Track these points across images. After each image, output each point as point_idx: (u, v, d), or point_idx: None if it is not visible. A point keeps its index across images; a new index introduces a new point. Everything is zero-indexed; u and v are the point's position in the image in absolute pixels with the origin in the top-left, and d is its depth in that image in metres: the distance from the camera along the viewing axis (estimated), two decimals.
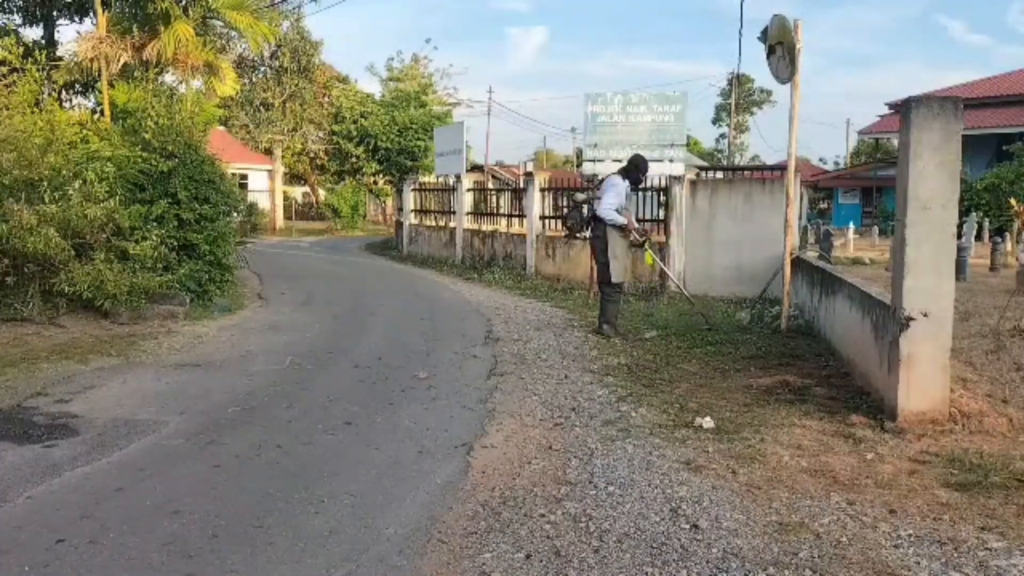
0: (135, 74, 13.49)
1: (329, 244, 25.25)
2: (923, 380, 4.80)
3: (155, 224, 9.19)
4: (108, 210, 8.64)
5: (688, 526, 3.53)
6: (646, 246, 9.21)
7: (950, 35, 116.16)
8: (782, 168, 11.33)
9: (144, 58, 13.54)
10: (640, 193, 12.50)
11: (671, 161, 11.72)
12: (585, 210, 8.74)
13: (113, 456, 4.46)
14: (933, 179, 4.81)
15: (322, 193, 39.06)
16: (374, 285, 13.43)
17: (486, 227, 16.95)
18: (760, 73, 65.46)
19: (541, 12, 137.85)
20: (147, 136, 9.70)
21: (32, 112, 9.21)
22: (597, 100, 11.95)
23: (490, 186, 22.22)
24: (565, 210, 14.42)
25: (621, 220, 8.44)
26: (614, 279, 8.45)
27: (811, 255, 11.08)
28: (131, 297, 8.51)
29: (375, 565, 3.20)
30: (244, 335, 8.35)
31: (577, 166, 40.62)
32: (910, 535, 3.43)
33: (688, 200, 11.81)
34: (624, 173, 8.73)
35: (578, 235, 9.25)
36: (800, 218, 20.68)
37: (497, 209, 17.75)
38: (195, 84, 15.01)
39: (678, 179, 11.80)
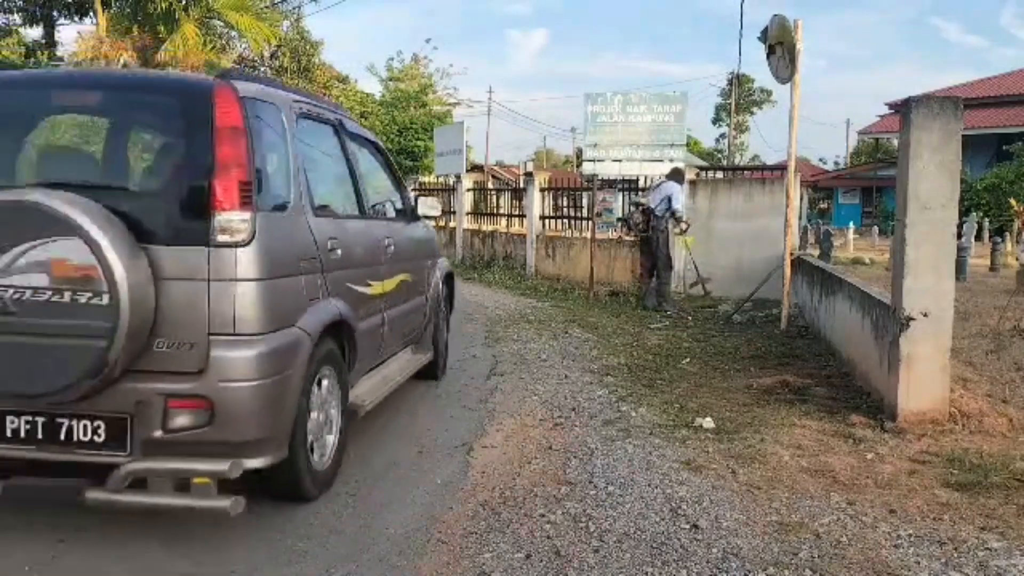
0: None
1: None
2: (923, 380, 4.80)
3: None
4: None
5: (688, 526, 3.53)
6: (687, 234, 10.85)
7: (946, 37, 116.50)
8: (782, 168, 11.33)
9: (156, 61, 13.56)
10: (639, 193, 12.52)
11: (671, 161, 11.68)
12: (635, 211, 10.80)
13: None
14: (933, 179, 4.81)
15: None
16: None
17: (486, 227, 16.94)
18: (760, 73, 65.31)
19: (541, 15, 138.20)
20: None
21: None
22: (597, 100, 11.94)
23: (490, 186, 22.22)
24: (566, 210, 14.58)
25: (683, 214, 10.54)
26: (671, 265, 10.43)
27: (812, 253, 11.12)
28: None
29: (375, 565, 3.19)
30: None
31: (577, 166, 40.58)
32: (910, 535, 3.43)
33: (688, 200, 11.81)
34: (675, 178, 10.62)
35: (641, 233, 10.69)
36: (800, 218, 20.69)
37: (497, 209, 17.75)
38: None
39: None
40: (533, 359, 7.22)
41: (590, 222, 12.24)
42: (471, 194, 17.92)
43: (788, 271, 8.68)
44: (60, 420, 3.07)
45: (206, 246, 3.12)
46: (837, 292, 7.00)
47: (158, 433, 3.04)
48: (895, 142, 19.30)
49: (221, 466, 3.03)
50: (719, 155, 56.29)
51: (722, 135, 60.16)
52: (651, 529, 3.51)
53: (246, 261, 3.16)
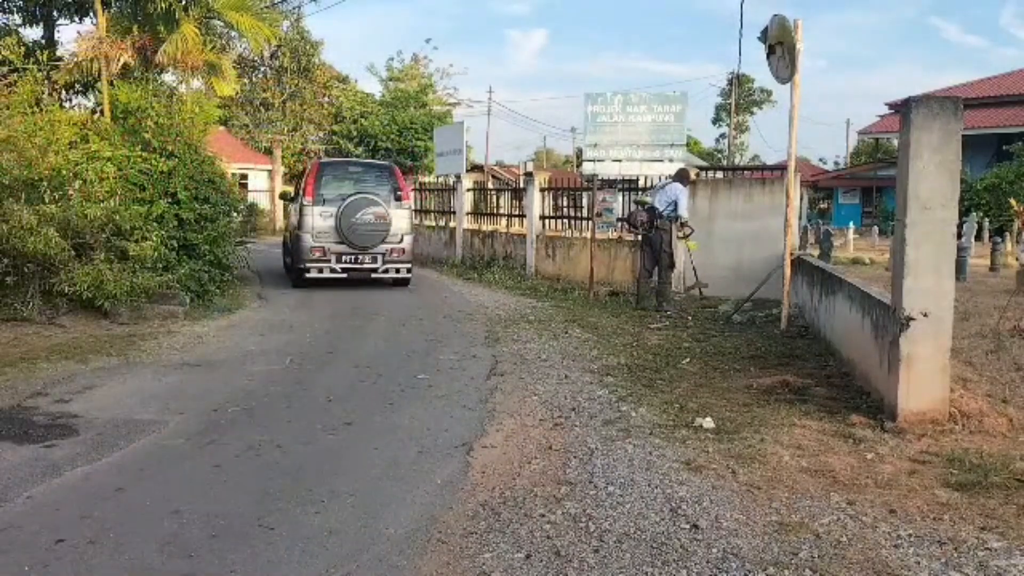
0: (135, 74, 13.48)
1: None
2: (923, 380, 4.80)
3: (155, 224, 9.18)
4: (108, 210, 8.64)
5: (688, 526, 3.53)
6: (690, 237, 10.81)
7: (945, 37, 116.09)
8: (782, 168, 11.33)
9: (155, 62, 13.56)
10: (640, 193, 12.51)
11: (671, 161, 11.69)
12: (637, 210, 10.82)
13: (113, 456, 4.47)
14: (933, 179, 4.81)
15: None
16: (374, 284, 13.41)
17: (486, 227, 16.94)
18: (760, 73, 65.30)
19: (541, 15, 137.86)
20: (147, 136, 9.70)
21: (33, 112, 9.22)
22: (597, 100, 11.94)
23: (490, 186, 22.19)
24: (565, 210, 14.57)
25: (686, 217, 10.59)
26: (673, 265, 10.53)
27: (812, 253, 11.09)
28: (131, 297, 8.51)
29: (375, 565, 3.20)
30: (244, 335, 8.36)
31: (577, 166, 40.58)
32: (910, 535, 3.43)
33: (688, 200, 11.79)
34: (681, 180, 10.67)
35: (644, 232, 10.61)
36: (800, 218, 20.66)
37: (497, 209, 17.74)
38: (195, 84, 15.01)
39: None
40: (533, 359, 7.22)
41: (590, 222, 12.25)
42: (471, 194, 17.91)
43: (788, 271, 8.68)
44: (360, 256, 12.36)
45: (400, 208, 12.78)
46: (837, 292, 7.00)
47: (389, 258, 12.52)
48: (895, 142, 19.28)
49: (407, 264, 12.80)
50: (719, 155, 56.26)
51: (722, 135, 60.16)
52: (651, 529, 3.51)
53: (409, 213, 13.36)
